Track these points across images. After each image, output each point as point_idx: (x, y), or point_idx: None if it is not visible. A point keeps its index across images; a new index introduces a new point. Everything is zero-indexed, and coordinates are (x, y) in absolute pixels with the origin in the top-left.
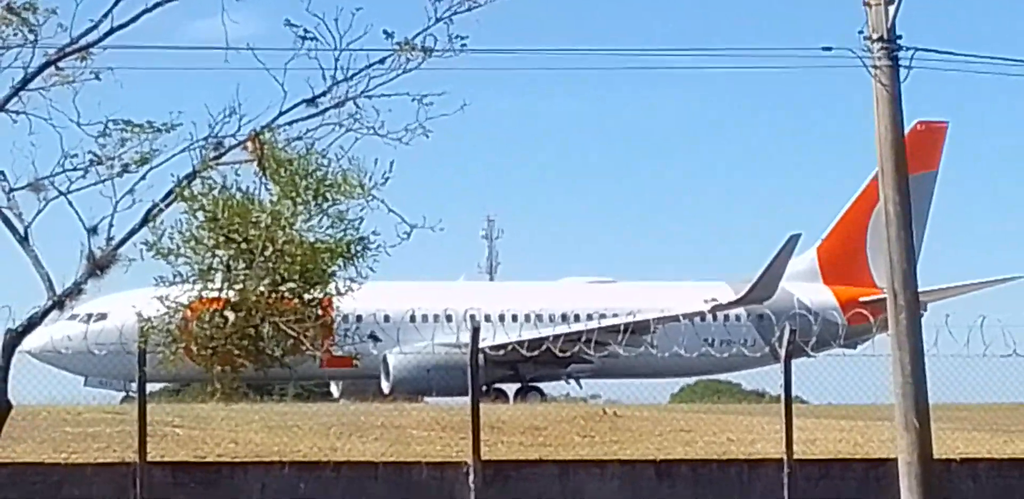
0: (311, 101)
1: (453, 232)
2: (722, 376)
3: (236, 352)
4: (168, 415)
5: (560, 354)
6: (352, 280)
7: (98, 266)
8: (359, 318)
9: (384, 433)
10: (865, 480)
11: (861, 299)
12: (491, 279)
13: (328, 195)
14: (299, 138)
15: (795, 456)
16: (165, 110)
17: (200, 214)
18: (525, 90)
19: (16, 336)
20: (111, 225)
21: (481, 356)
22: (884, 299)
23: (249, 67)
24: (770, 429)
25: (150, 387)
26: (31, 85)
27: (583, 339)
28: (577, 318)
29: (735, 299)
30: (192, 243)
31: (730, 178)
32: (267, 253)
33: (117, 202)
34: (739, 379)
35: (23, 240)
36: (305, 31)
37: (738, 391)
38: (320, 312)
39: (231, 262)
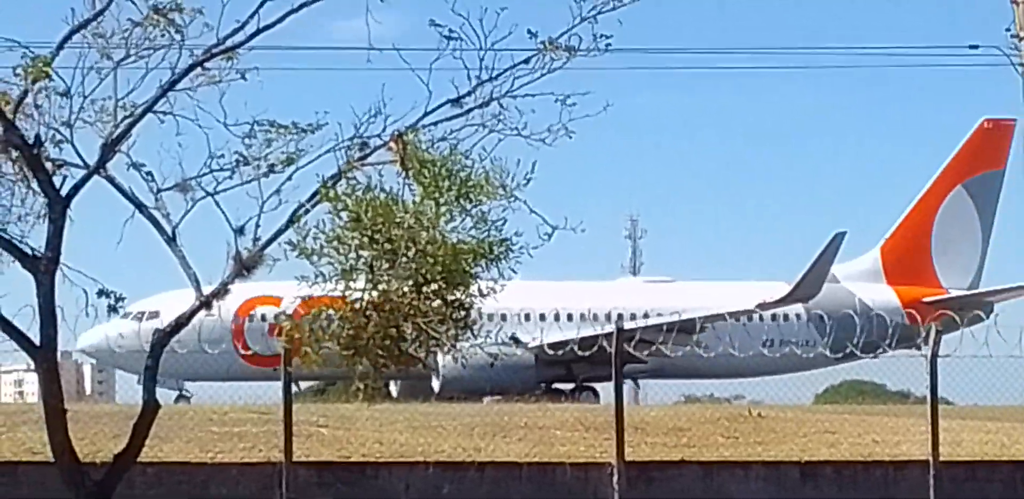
0: (455, 101)
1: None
2: (866, 377)
3: (378, 352)
4: (313, 415)
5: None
6: (495, 281)
7: (245, 266)
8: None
9: (528, 433)
10: (1012, 482)
11: (924, 299)
12: None
13: (471, 196)
14: (443, 139)
15: (940, 457)
16: (310, 110)
17: (344, 214)
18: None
19: (164, 336)
20: (257, 225)
21: (532, 355)
22: (949, 299)
23: (394, 67)
24: (915, 430)
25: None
26: (178, 86)
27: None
28: (631, 317)
29: (780, 298)
30: (336, 243)
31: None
32: (410, 254)
33: (264, 203)
34: (883, 379)
35: (171, 240)
36: (450, 31)
37: (883, 392)
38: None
39: (374, 263)
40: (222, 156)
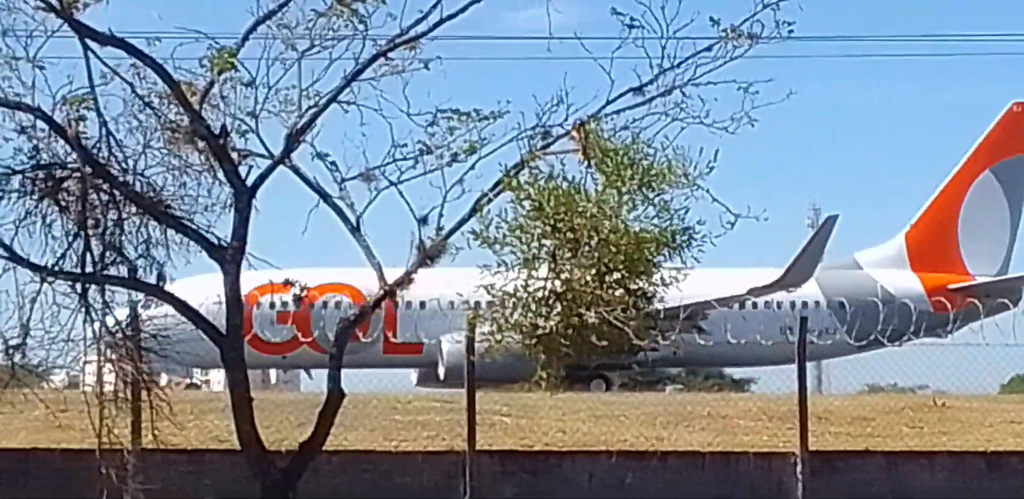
0: (638, 90)
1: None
2: None
3: (561, 342)
4: (496, 404)
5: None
6: (677, 270)
7: (428, 256)
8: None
9: (710, 423)
10: None
11: (950, 286)
12: None
13: (653, 184)
14: (625, 127)
15: None
16: (492, 100)
17: (527, 203)
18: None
19: (348, 325)
20: (440, 215)
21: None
22: (975, 286)
23: (575, 56)
24: None
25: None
26: (362, 76)
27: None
28: None
29: (770, 283)
30: (518, 232)
31: None
32: (592, 243)
33: (447, 192)
34: None
35: (355, 229)
36: (632, 19)
37: None
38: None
39: (556, 251)
40: (405, 145)
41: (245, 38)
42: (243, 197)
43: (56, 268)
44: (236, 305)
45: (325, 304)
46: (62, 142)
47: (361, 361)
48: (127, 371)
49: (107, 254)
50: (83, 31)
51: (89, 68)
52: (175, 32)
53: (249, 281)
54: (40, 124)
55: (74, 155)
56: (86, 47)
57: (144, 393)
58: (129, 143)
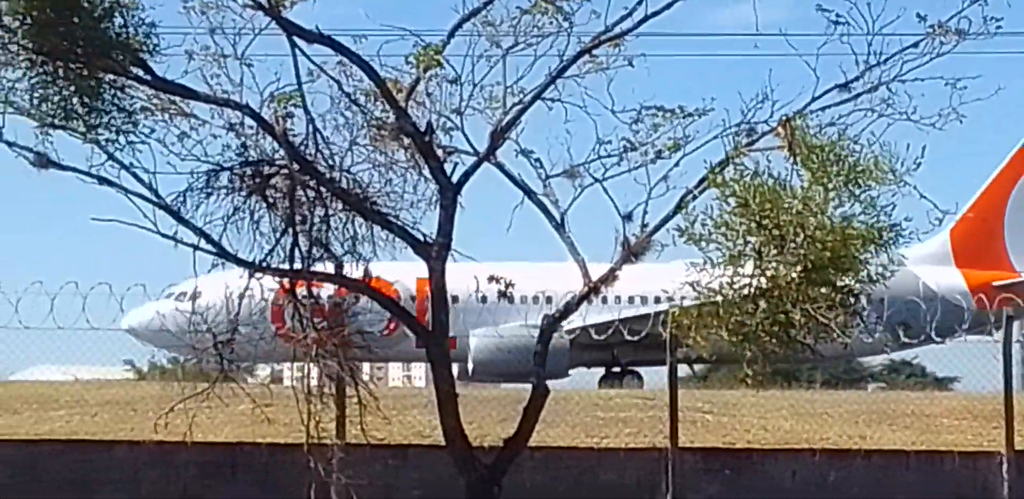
0: (844, 86)
1: None
2: None
3: (766, 338)
4: (697, 401)
5: (630, 336)
6: (884, 267)
7: (633, 252)
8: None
9: (913, 422)
10: None
11: (994, 283)
12: None
13: (859, 181)
14: (831, 124)
15: None
16: (697, 97)
17: (732, 200)
18: None
19: (553, 322)
20: (645, 212)
21: (567, 340)
22: (1019, 283)
23: (780, 53)
24: None
25: None
26: (566, 73)
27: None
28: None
29: None
30: (723, 229)
31: None
32: (798, 239)
33: (651, 189)
34: None
35: (559, 226)
36: (837, 16)
37: None
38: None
39: (762, 248)
40: (609, 142)
41: (451, 35)
42: (448, 193)
43: (264, 264)
44: (442, 302)
45: (357, 298)
46: (270, 139)
47: (394, 356)
48: (332, 366)
49: (314, 250)
50: (291, 29)
51: (296, 66)
52: (381, 30)
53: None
54: (248, 121)
55: (282, 152)
56: (294, 45)
57: (350, 388)
58: (336, 140)
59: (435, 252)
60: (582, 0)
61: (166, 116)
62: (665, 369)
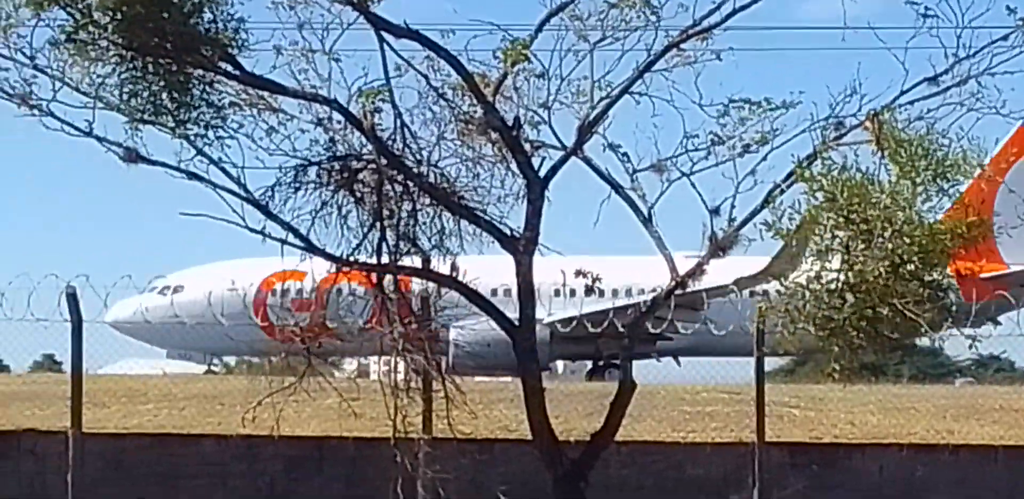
0: (932, 80)
1: None
2: None
3: (853, 333)
4: (784, 395)
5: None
6: (972, 262)
7: (720, 247)
8: None
9: (1002, 416)
10: None
11: (982, 276)
12: None
13: (948, 175)
14: (919, 118)
15: None
16: (784, 90)
17: (819, 195)
18: None
19: (639, 317)
20: (732, 206)
21: (547, 332)
22: (1008, 275)
23: (868, 46)
24: None
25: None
26: (654, 67)
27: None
28: (640, 292)
29: (754, 274)
30: (811, 224)
31: None
32: (886, 234)
33: (739, 183)
34: None
35: (646, 221)
36: (926, 9)
37: None
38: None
39: (849, 243)
40: (696, 136)
41: (538, 30)
42: (535, 188)
43: (352, 258)
44: (529, 296)
45: (340, 291)
46: (358, 134)
47: (379, 348)
48: (418, 361)
49: (401, 244)
50: (378, 24)
51: (384, 60)
52: (469, 24)
53: (263, 268)
54: (336, 116)
55: (369, 147)
56: (381, 40)
57: (436, 382)
58: (423, 135)
59: (522, 246)
60: None
61: (254, 111)
62: (642, 362)
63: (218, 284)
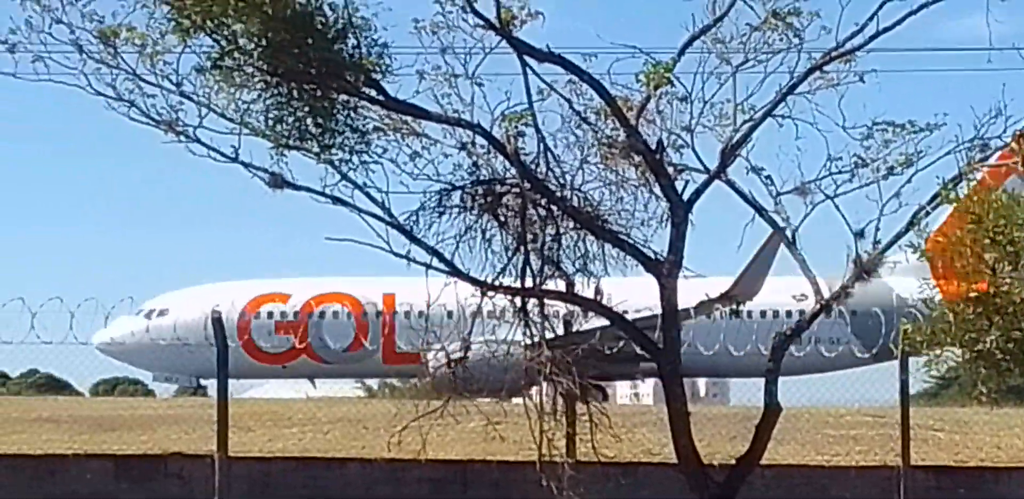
0: None
1: None
2: None
3: (1000, 356)
4: (928, 418)
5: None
6: None
7: (865, 270)
8: None
9: None
10: None
11: (969, 294)
12: None
13: None
14: None
15: None
16: (928, 112)
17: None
18: None
19: (785, 339)
20: (877, 228)
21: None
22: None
23: (1014, 67)
24: None
25: None
26: (797, 89)
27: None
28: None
29: (715, 298)
30: (957, 245)
31: None
32: None
33: (883, 205)
34: None
35: (790, 243)
36: None
37: None
38: None
39: (996, 264)
40: (840, 159)
41: (681, 53)
42: (679, 211)
43: (496, 282)
44: (673, 319)
45: (323, 314)
46: (501, 158)
47: (363, 370)
48: (563, 384)
49: (545, 268)
50: (521, 48)
51: (527, 84)
52: (611, 48)
53: (245, 292)
54: (480, 140)
55: (513, 171)
56: (524, 64)
57: (582, 405)
58: (566, 158)
59: (666, 270)
60: (812, 17)
61: (398, 136)
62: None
63: (202, 307)
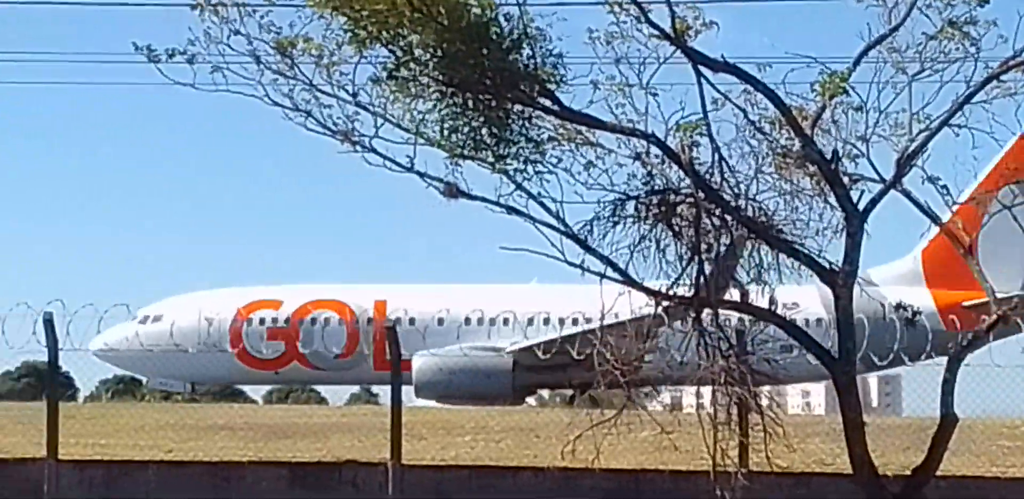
0: None
1: None
2: None
3: None
4: None
5: (577, 357)
6: None
7: None
8: None
9: None
10: None
11: (964, 304)
12: None
13: None
14: None
15: None
16: None
17: None
18: None
19: (962, 350)
20: None
21: (510, 360)
22: (988, 303)
23: None
24: None
25: None
26: (973, 99)
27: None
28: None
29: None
30: None
31: None
32: None
33: None
34: None
35: (967, 253)
36: None
37: None
38: None
39: None
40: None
41: (856, 62)
42: (854, 221)
43: (670, 292)
44: (849, 328)
45: (314, 320)
46: (675, 168)
47: (354, 377)
48: (737, 394)
49: (720, 278)
50: (696, 58)
51: (702, 94)
52: (785, 58)
53: (238, 298)
54: (654, 150)
55: (687, 180)
56: (699, 73)
57: (755, 415)
58: (740, 168)
59: (841, 280)
60: (989, 25)
61: (572, 146)
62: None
63: (195, 313)
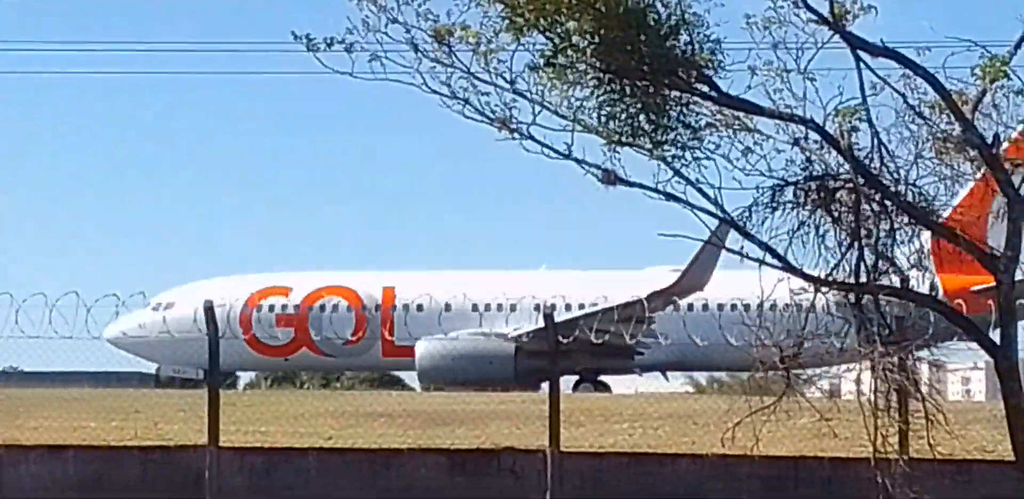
0: None
1: None
2: None
3: None
4: None
5: (563, 340)
6: None
7: None
8: None
9: None
10: None
11: (972, 288)
12: None
13: None
14: None
15: None
16: None
17: None
18: None
19: None
20: None
21: (512, 346)
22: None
23: None
24: None
25: None
26: None
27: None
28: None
29: (663, 289)
30: None
31: None
32: None
33: None
34: None
35: None
36: None
37: None
38: None
39: None
40: None
41: (1017, 46)
42: (1016, 206)
43: (829, 278)
44: (1012, 315)
45: (323, 307)
46: (834, 153)
47: (362, 363)
48: (896, 380)
49: (879, 264)
50: (854, 42)
51: (861, 79)
52: (945, 41)
53: (249, 285)
54: (812, 135)
55: (846, 166)
56: (858, 58)
57: (915, 401)
58: (900, 153)
59: (1003, 265)
60: None
61: (730, 132)
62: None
63: (206, 300)
